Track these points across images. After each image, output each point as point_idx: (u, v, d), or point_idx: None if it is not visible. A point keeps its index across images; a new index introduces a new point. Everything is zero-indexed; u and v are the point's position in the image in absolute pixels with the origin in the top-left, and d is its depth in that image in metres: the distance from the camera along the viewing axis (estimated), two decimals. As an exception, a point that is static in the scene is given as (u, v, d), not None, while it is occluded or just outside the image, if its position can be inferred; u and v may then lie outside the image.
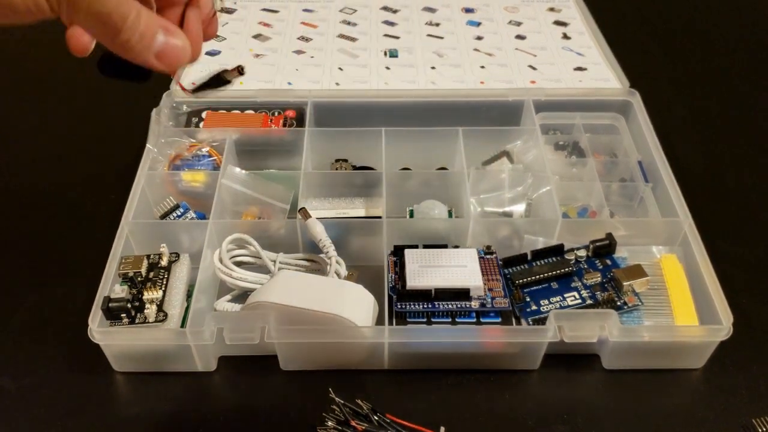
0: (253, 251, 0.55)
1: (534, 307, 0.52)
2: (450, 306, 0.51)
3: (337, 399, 0.47)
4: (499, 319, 0.51)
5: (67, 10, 0.30)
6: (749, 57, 0.87)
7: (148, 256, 0.55)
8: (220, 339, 0.50)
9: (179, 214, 0.59)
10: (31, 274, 0.59)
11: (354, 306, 0.50)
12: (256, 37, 0.82)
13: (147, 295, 0.52)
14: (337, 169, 0.65)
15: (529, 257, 0.55)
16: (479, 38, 0.82)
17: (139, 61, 0.32)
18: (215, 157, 0.64)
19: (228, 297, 0.55)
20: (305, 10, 0.87)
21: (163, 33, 0.32)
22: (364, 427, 0.46)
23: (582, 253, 0.56)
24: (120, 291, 0.50)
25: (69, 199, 0.67)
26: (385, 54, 0.79)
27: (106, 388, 0.51)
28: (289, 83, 0.74)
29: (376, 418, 0.47)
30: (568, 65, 0.77)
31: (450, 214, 0.61)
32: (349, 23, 0.85)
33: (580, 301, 0.53)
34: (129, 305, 0.50)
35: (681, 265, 0.56)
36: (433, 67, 0.77)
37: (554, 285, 0.54)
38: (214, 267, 0.55)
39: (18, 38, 0.89)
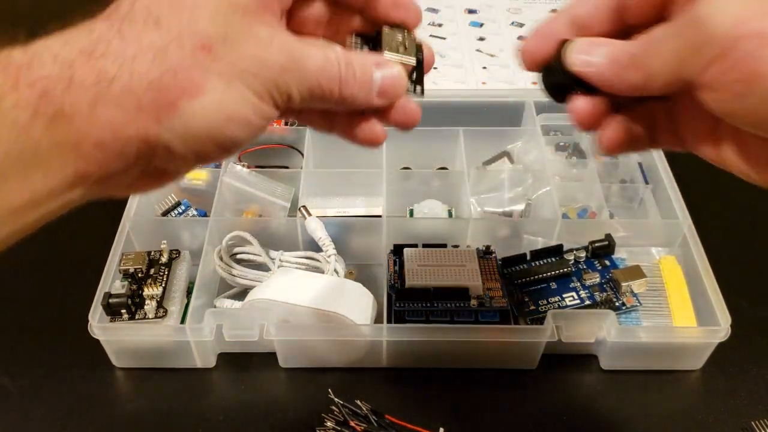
0: (253, 249, 0.56)
1: (532, 307, 0.53)
2: (449, 305, 0.51)
3: (336, 399, 0.47)
4: (498, 319, 0.51)
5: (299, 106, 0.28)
6: None
7: (149, 253, 0.55)
8: (220, 336, 0.50)
9: (180, 211, 0.59)
10: (32, 269, 0.60)
11: (353, 304, 0.50)
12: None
13: (147, 292, 0.52)
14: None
15: (528, 257, 0.56)
16: (481, 39, 0.82)
17: (361, 107, 0.30)
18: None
19: (228, 294, 0.55)
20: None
21: (376, 68, 0.30)
22: (363, 428, 0.46)
23: (581, 253, 0.56)
24: (120, 287, 0.51)
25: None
26: (388, 54, 0.79)
27: (106, 383, 0.51)
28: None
29: (375, 418, 0.47)
30: (569, 67, 0.77)
31: (450, 214, 0.61)
32: (351, 23, 0.85)
33: (578, 301, 0.53)
34: (129, 301, 0.50)
35: (680, 267, 0.56)
36: (435, 68, 0.77)
37: (553, 285, 0.54)
38: (215, 264, 0.55)
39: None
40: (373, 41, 0.32)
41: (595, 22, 0.30)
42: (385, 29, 0.32)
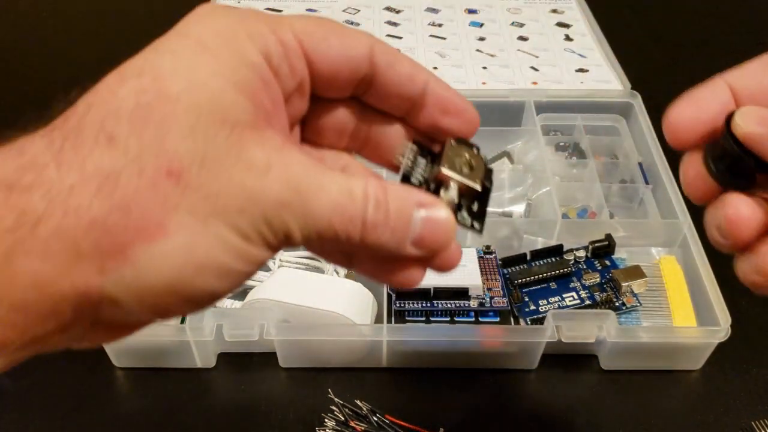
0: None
1: (532, 307, 0.53)
2: (449, 305, 0.51)
3: (336, 399, 0.47)
4: (498, 319, 0.51)
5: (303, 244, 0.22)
6: (751, 59, 0.87)
7: (149, 253, 0.55)
8: (220, 335, 0.50)
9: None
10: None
11: (353, 304, 0.50)
12: (259, 36, 0.82)
13: (147, 292, 0.52)
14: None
15: (528, 257, 0.56)
16: (482, 39, 0.82)
17: (389, 255, 0.23)
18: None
19: (229, 294, 0.55)
20: (308, 10, 0.88)
21: (418, 208, 0.23)
22: (363, 428, 0.46)
23: (581, 253, 0.56)
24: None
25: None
26: (388, 54, 0.79)
27: (106, 383, 0.51)
28: (292, 82, 0.74)
29: (375, 418, 0.47)
30: (569, 67, 0.77)
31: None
32: (352, 23, 0.85)
33: (578, 301, 0.53)
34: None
35: (680, 267, 0.56)
36: (435, 68, 0.77)
37: (553, 285, 0.54)
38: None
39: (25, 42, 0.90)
40: (431, 153, 0.27)
41: (764, 97, 0.25)
42: (451, 142, 0.26)
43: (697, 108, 0.26)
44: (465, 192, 0.25)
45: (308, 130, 0.26)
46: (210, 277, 0.21)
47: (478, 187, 0.25)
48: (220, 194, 0.20)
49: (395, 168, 0.27)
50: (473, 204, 0.26)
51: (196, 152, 0.20)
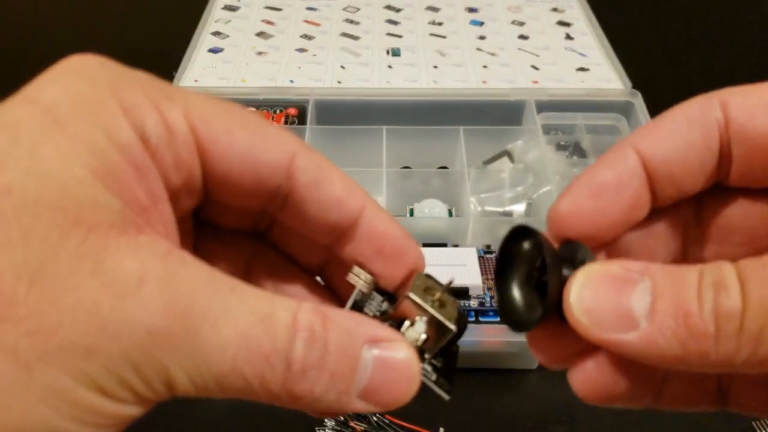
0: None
1: (533, 307, 0.52)
2: (449, 305, 0.51)
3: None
4: (498, 319, 0.51)
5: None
6: (751, 59, 0.87)
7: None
8: (219, 335, 0.49)
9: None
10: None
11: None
12: (259, 34, 0.82)
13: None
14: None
15: (528, 257, 0.55)
16: (482, 38, 0.82)
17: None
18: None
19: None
20: (308, 8, 0.87)
21: (370, 345, 0.17)
22: (362, 428, 0.46)
23: (582, 253, 0.56)
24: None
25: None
26: (388, 53, 0.79)
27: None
28: (291, 81, 0.74)
29: (375, 418, 0.47)
30: (570, 66, 0.77)
31: (450, 213, 0.61)
32: (351, 22, 0.85)
33: (579, 301, 0.53)
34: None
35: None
36: (435, 66, 0.77)
37: (554, 285, 0.54)
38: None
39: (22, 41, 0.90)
40: (387, 293, 0.21)
41: (678, 166, 0.20)
42: (417, 273, 0.21)
43: (601, 203, 0.20)
44: (434, 333, 0.20)
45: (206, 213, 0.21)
46: None
47: (452, 327, 0.20)
48: (59, 326, 0.14)
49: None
50: (440, 355, 0.20)
51: (27, 265, 0.14)
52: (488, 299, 0.51)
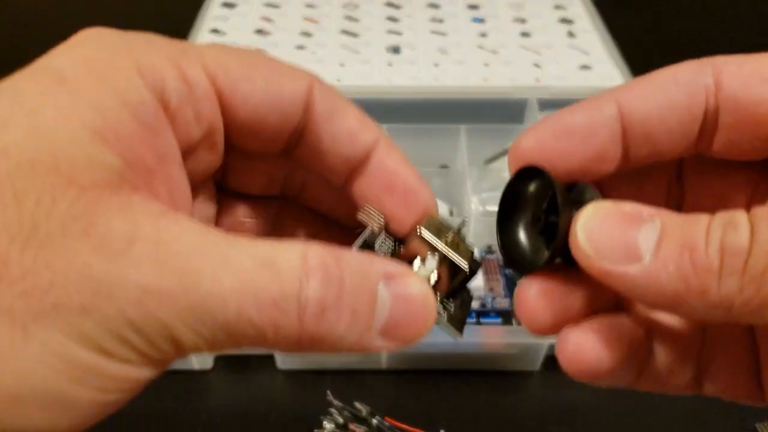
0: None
1: (535, 308, 0.52)
2: (450, 306, 0.50)
3: (335, 401, 0.47)
4: (500, 320, 0.50)
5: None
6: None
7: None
8: (217, 336, 0.49)
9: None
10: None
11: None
12: (258, 32, 0.82)
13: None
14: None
15: (530, 257, 0.55)
16: (483, 35, 0.81)
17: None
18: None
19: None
20: (307, 6, 0.87)
21: (386, 281, 0.17)
22: (362, 430, 0.45)
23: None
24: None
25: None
26: (388, 50, 0.79)
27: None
28: (291, 79, 0.73)
29: (375, 421, 0.46)
30: (572, 63, 0.76)
31: (451, 213, 0.61)
32: (351, 19, 0.84)
33: (581, 302, 0.52)
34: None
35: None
36: (436, 64, 0.76)
37: (556, 285, 0.53)
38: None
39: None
40: (397, 238, 0.20)
41: (653, 123, 0.20)
42: (431, 218, 0.21)
43: (564, 145, 0.19)
44: (446, 273, 0.19)
45: (226, 179, 0.21)
46: (35, 413, 0.14)
47: (465, 266, 0.19)
48: (52, 286, 0.14)
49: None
50: (453, 296, 0.20)
51: (20, 227, 0.14)
52: (489, 300, 0.51)
